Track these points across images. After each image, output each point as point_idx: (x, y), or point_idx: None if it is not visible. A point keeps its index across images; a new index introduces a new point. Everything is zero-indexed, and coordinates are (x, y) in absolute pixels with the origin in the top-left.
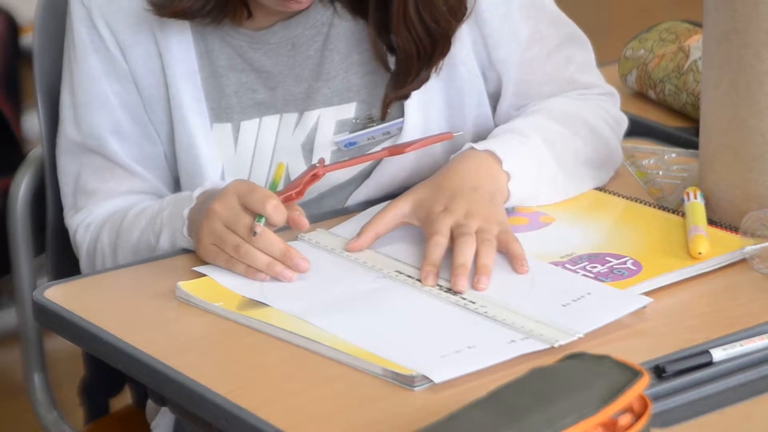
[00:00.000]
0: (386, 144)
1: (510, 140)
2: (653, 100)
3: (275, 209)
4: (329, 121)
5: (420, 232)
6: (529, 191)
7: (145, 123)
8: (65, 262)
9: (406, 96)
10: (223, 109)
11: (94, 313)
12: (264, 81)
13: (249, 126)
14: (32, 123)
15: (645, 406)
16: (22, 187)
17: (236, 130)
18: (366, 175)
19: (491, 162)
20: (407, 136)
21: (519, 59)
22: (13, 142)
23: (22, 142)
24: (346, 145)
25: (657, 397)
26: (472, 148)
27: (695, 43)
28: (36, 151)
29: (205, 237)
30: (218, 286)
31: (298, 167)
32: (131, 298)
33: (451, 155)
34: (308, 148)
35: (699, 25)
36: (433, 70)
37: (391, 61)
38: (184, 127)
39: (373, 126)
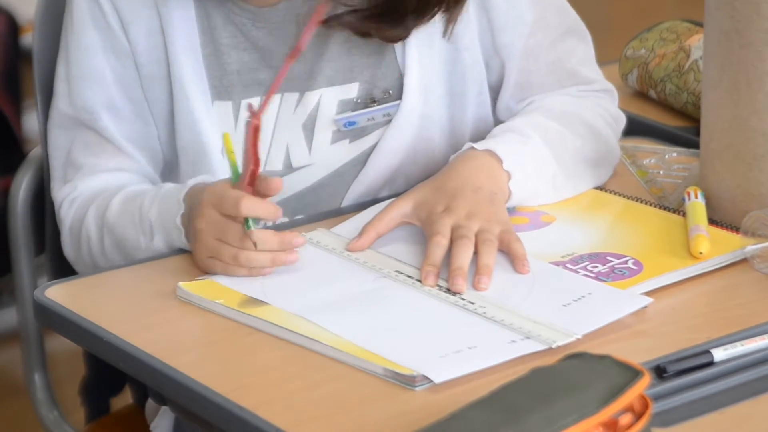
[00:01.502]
0: (387, 127)
1: (510, 140)
2: (654, 100)
3: (250, 208)
4: (331, 101)
5: (421, 232)
6: (529, 191)
7: (140, 101)
8: (65, 262)
9: (403, 35)
10: (224, 87)
11: (94, 313)
12: (266, 60)
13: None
14: (32, 123)
15: (646, 406)
16: (22, 187)
17: (237, 109)
18: (362, 162)
19: (492, 162)
20: (405, 116)
21: (523, 45)
22: (13, 142)
23: (22, 141)
24: (345, 125)
25: (658, 397)
26: (472, 148)
27: (696, 42)
28: (36, 151)
29: (202, 253)
30: (219, 286)
31: (298, 146)
32: (132, 298)
33: (451, 156)
34: (309, 127)
35: (700, 24)
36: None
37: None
38: (186, 104)
39: (373, 106)
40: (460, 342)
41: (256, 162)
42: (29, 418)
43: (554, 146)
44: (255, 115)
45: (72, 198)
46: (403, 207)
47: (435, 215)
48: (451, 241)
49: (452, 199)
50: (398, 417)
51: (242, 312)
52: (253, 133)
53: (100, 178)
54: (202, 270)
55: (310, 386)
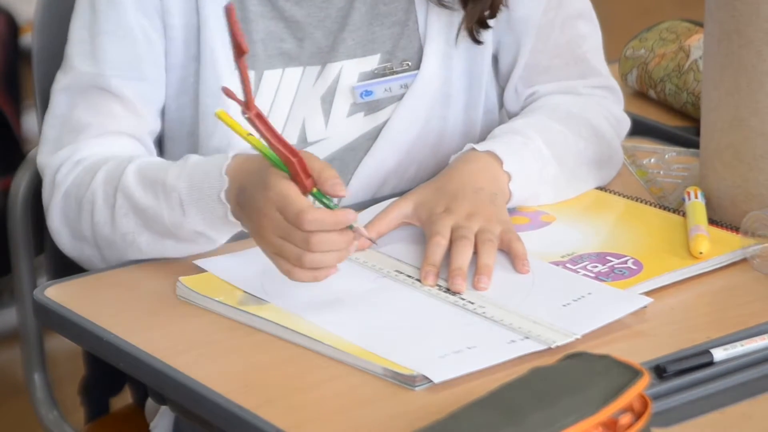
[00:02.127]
0: (403, 100)
1: (511, 141)
2: (654, 100)
3: (314, 222)
4: (351, 73)
5: (421, 232)
6: (530, 192)
7: (160, 66)
8: (65, 262)
9: (485, 25)
10: (249, 55)
11: (94, 313)
12: (293, 31)
13: (271, 76)
14: (32, 123)
15: (645, 406)
16: (22, 187)
17: (258, 79)
18: (375, 137)
19: (492, 163)
20: (422, 87)
21: (537, 22)
22: (13, 142)
23: (22, 141)
24: (362, 95)
25: (657, 397)
26: (473, 149)
27: (696, 42)
28: (36, 151)
29: (264, 248)
30: (219, 282)
31: (315, 121)
32: (132, 298)
33: (452, 157)
34: (328, 100)
35: (699, 24)
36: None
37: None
38: (213, 70)
39: (391, 76)
40: (459, 342)
41: (294, 152)
42: (29, 418)
43: (556, 148)
44: (247, 107)
45: (76, 160)
46: (404, 207)
47: (435, 216)
48: (451, 242)
49: (453, 200)
50: (398, 417)
51: (241, 310)
52: (261, 122)
53: (106, 142)
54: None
55: (310, 386)
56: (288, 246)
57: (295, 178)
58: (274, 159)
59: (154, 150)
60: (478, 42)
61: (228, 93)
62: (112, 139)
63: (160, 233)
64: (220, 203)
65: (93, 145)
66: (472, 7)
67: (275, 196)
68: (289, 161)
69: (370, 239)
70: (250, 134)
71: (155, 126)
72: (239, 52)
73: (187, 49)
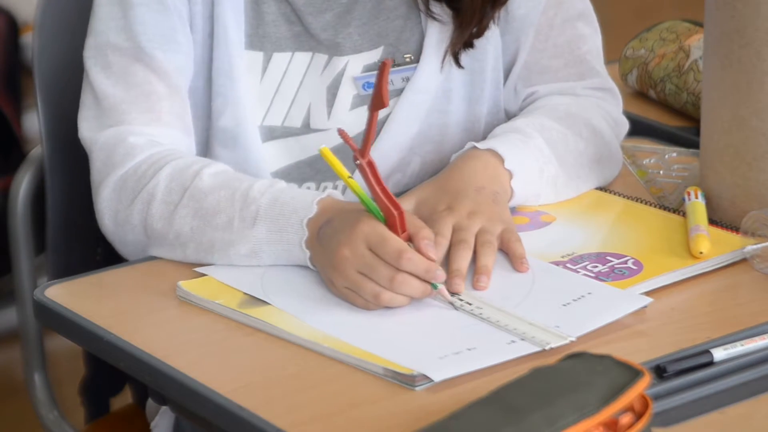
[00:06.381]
0: (404, 93)
1: (511, 139)
2: (654, 100)
3: (411, 264)
4: (357, 67)
5: None
6: (531, 190)
7: (190, 40)
8: (65, 262)
9: (470, 45)
10: (259, 36)
11: (95, 313)
12: (298, 14)
13: (280, 58)
14: (32, 123)
15: (646, 406)
16: (22, 187)
17: (267, 61)
18: (377, 131)
19: (494, 161)
20: (423, 81)
21: (535, 21)
22: (14, 142)
23: (23, 141)
24: (364, 87)
25: (658, 397)
26: (475, 147)
27: (696, 42)
28: (36, 151)
29: (338, 281)
30: (219, 285)
31: (319, 109)
32: (132, 298)
33: (453, 155)
34: (332, 91)
35: (699, 24)
36: (493, 19)
37: (436, 7)
38: (225, 48)
39: (394, 68)
40: (459, 343)
41: (396, 205)
42: (29, 418)
43: (556, 147)
44: (361, 154)
45: (131, 143)
46: (405, 206)
47: (437, 214)
48: (451, 244)
49: (454, 199)
50: (398, 417)
51: (242, 313)
52: (372, 171)
53: (158, 125)
54: (338, 296)
55: (310, 386)
56: (368, 282)
57: (391, 228)
58: (371, 207)
59: (192, 128)
60: (459, 66)
61: (343, 135)
62: (164, 121)
63: (208, 250)
64: (300, 228)
65: (145, 130)
66: (458, 34)
67: (371, 234)
68: (390, 213)
69: (451, 302)
70: (351, 177)
71: (188, 100)
72: (377, 104)
73: (203, 26)
